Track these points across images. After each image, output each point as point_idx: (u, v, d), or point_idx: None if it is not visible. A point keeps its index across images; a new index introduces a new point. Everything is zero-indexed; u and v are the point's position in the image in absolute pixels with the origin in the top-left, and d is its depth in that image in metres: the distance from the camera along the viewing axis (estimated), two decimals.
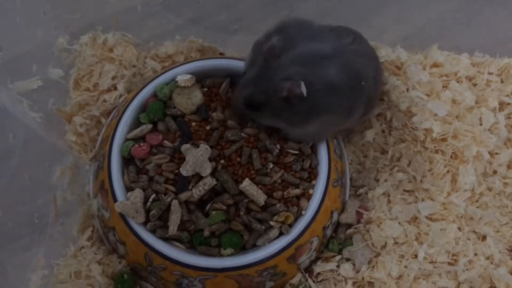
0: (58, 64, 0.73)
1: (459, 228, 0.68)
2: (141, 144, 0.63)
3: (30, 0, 0.68)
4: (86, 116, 0.73)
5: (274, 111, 0.60)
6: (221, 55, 0.79)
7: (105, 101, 0.75)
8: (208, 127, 0.63)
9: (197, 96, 0.65)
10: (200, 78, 0.67)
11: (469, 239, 0.68)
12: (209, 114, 0.64)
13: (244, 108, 0.61)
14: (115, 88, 0.75)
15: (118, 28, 0.78)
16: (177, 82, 0.65)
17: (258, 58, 0.61)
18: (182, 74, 0.66)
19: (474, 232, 0.69)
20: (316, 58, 0.60)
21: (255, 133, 0.62)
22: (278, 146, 0.63)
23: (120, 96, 0.75)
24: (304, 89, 0.57)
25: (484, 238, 0.69)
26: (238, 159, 0.61)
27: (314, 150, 0.65)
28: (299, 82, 0.57)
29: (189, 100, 0.64)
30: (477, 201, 0.71)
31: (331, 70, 0.60)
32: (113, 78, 0.75)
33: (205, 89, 0.66)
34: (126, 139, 0.64)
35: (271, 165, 0.62)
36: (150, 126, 0.64)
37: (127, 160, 0.63)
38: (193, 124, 0.63)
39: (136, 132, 0.64)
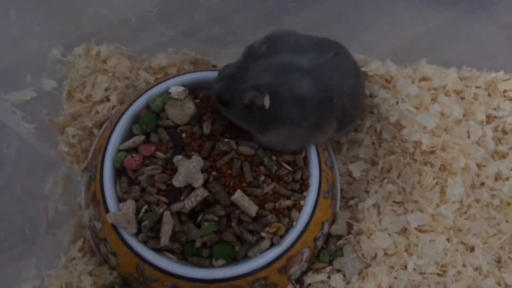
0: (52, 75, 0.73)
1: (447, 240, 0.69)
2: (134, 155, 0.63)
3: (24, 12, 0.68)
4: (78, 127, 0.73)
5: (237, 113, 0.62)
6: (214, 68, 0.80)
7: (97, 112, 0.75)
8: (199, 137, 0.63)
9: (190, 108, 0.65)
10: (193, 90, 0.67)
11: (457, 250, 0.69)
12: (202, 124, 0.64)
13: (215, 101, 0.63)
14: (108, 100, 0.75)
15: (112, 40, 0.79)
16: (170, 93, 0.65)
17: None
18: (175, 86, 0.66)
19: (463, 243, 0.70)
20: (290, 70, 0.61)
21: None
22: (273, 157, 0.63)
23: (113, 107, 0.75)
24: (267, 102, 0.58)
25: (472, 249, 0.69)
26: (229, 171, 0.62)
27: (305, 162, 0.66)
28: (264, 94, 0.58)
29: (182, 112, 0.65)
30: (465, 212, 0.71)
31: (303, 84, 0.61)
32: (106, 90, 0.76)
33: (198, 101, 0.67)
34: (119, 150, 0.64)
35: (262, 177, 0.62)
36: (142, 137, 0.64)
37: (120, 171, 0.64)
38: (186, 135, 0.64)
39: (129, 143, 0.64)
